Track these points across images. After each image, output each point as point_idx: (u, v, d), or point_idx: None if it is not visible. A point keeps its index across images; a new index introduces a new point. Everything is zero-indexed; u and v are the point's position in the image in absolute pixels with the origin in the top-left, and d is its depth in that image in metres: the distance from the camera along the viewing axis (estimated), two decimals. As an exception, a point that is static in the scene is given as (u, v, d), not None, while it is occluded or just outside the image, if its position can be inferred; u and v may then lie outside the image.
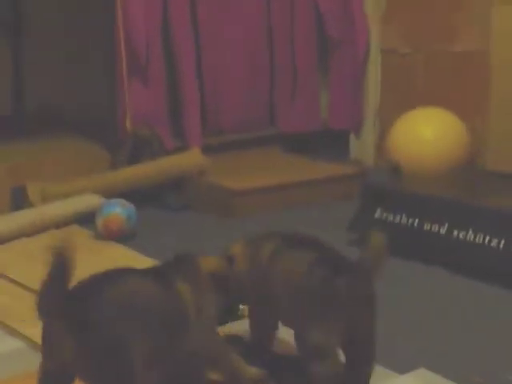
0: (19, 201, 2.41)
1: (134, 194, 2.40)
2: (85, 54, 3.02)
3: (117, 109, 2.68)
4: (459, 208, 2.03)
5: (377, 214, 2.17)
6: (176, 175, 2.54)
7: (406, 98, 2.94)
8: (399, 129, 2.64)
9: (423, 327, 1.69)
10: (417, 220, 2.07)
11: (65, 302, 1.25)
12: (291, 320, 1.41)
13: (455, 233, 1.99)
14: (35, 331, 1.60)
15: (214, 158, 2.62)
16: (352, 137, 3.13)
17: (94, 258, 2.09)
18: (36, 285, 1.84)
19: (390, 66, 3.03)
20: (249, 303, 1.50)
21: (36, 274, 1.94)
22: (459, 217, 2.01)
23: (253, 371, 1.40)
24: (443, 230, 2.02)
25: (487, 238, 1.94)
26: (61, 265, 1.29)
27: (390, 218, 2.14)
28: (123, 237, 2.21)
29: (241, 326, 1.58)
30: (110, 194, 2.37)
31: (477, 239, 1.95)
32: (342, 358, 1.37)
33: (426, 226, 2.05)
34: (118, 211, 2.22)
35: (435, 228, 2.03)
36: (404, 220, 2.11)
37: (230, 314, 1.51)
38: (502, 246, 1.90)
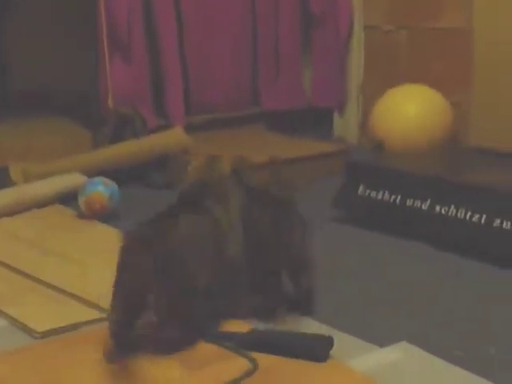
0: (1, 181, 2.40)
1: (116, 173, 2.39)
2: (66, 34, 3.01)
3: (99, 87, 2.67)
4: (441, 184, 2.03)
5: (360, 191, 2.17)
6: (159, 154, 2.54)
7: (390, 75, 2.93)
8: (382, 106, 2.65)
9: (405, 301, 1.69)
10: (399, 196, 2.08)
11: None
12: None
13: (437, 208, 2.00)
14: (17, 310, 1.61)
15: (197, 136, 2.62)
16: (335, 115, 3.13)
17: (76, 237, 2.09)
18: (17, 263, 1.85)
19: (373, 43, 3.03)
20: None
21: (18, 253, 1.95)
22: (441, 193, 2.01)
23: None
24: (425, 206, 2.02)
25: (469, 214, 1.94)
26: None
27: (373, 194, 2.14)
28: (106, 215, 2.21)
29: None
30: (92, 172, 2.36)
31: (458, 214, 1.96)
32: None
33: (409, 202, 2.06)
34: (101, 190, 2.21)
35: (417, 204, 2.04)
36: (386, 196, 2.11)
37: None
38: (483, 221, 1.91)
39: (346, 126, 3.12)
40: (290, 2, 2.99)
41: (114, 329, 1.41)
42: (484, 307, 1.67)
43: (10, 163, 2.41)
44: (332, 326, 1.55)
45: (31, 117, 2.78)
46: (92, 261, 1.88)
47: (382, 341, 1.48)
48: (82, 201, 2.21)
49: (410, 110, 2.58)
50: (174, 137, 2.58)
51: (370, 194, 2.15)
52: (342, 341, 1.47)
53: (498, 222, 1.89)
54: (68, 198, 2.31)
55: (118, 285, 1.42)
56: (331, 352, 1.43)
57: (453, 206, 1.97)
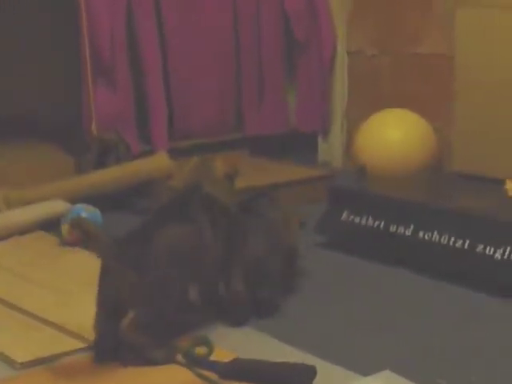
0: (-17, 207, 2.39)
1: (100, 199, 2.38)
2: (48, 59, 3.00)
3: (82, 113, 2.67)
4: (424, 210, 2.03)
5: (343, 217, 2.17)
6: (143, 179, 2.53)
7: (373, 100, 2.95)
8: (365, 131, 2.65)
9: (388, 329, 1.69)
10: (383, 222, 2.08)
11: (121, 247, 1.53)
12: None
13: (421, 234, 2.00)
14: None
15: (181, 161, 2.61)
16: (320, 139, 3.14)
17: (59, 264, 2.08)
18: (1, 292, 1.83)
19: (357, 67, 3.04)
20: None
21: (1, 280, 1.94)
22: (425, 218, 2.01)
23: None
24: (409, 232, 2.02)
25: (452, 239, 1.94)
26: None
27: (357, 219, 2.14)
28: (89, 242, 2.19)
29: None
30: (75, 199, 2.35)
31: (442, 240, 1.96)
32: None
33: (392, 228, 2.06)
34: (84, 216, 2.20)
35: (401, 230, 2.04)
36: (370, 222, 2.11)
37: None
38: (466, 246, 1.91)
39: (330, 150, 3.12)
40: (273, 28, 3.00)
41: (95, 336, 1.49)
42: (467, 333, 1.66)
43: (-9, 189, 2.40)
44: (315, 353, 1.54)
45: (13, 142, 2.77)
46: (74, 289, 1.87)
47: (365, 369, 1.48)
48: (64, 228, 2.20)
49: (393, 135, 2.59)
50: (158, 162, 2.58)
51: (353, 219, 2.15)
52: (325, 370, 1.47)
53: (481, 247, 1.89)
54: (50, 225, 2.29)
55: (100, 293, 1.49)
56: (314, 381, 1.43)
57: (436, 232, 1.98)
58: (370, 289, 1.92)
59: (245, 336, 1.65)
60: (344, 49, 3.05)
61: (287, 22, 3.02)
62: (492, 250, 1.86)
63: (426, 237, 1.99)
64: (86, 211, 2.22)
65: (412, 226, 2.02)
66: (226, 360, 1.48)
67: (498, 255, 1.85)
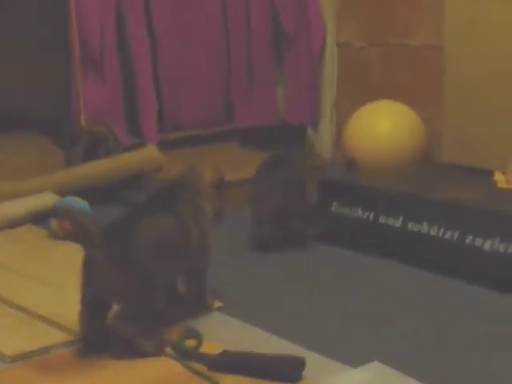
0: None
1: (90, 192, 2.38)
2: (37, 51, 2.99)
3: (71, 106, 2.66)
4: (413, 201, 2.04)
5: (333, 208, 2.17)
6: (132, 172, 2.53)
7: (363, 92, 2.95)
8: (355, 122, 2.65)
9: (377, 320, 1.70)
10: (372, 213, 2.08)
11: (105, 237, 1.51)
12: None
13: (410, 225, 2.00)
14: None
15: (170, 154, 2.61)
16: (309, 131, 3.14)
17: (48, 258, 2.08)
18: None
19: (346, 59, 3.04)
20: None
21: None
22: (413, 209, 2.02)
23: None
24: (398, 223, 2.03)
25: (441, 231, 1.95)
26: None
27: (347, 211, 2.14)
28: (78, 235, 2.19)
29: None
30: (64, 192, 2.35)
31: (431, 232, 1.97)
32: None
33: (382, 219, 2.06)
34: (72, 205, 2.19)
35: (390, 221, 2.04)
36: (360, 213, 2.11)
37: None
38: (455, 238, 1.92)
39: (320, 141, 3.12)
40: (262, 20, 3.00)
41: (80, 329, 1.51)
42: (456, 325, 1.67)
43: (-20, 182, 2.39)
44: (304, 345, 1.54)
45: (2, 136, 2.76)
46: (64, 282, 1.87)
47: (355, 361, 1.48)
48: (53, 221, 2.19)
49: (382, 126, 2.59)
50: (148, 155, 2.57)
51: (343, 210, 2.15)
52: (315, 361, 1.47)
53: (470, 238, 1.90)
54: (40, 218, 2.29)
55: (84, 285, 1.51)
56: (303, 373, 1.43)
57: (425, 223, 1.98)
58: (359, 280, 1.92)
59: (234, 328, 1.65)
60: (333, 40, 3.05)
61: (276, 14, 3.02)
62: (481, 241, 1.87)
63: (415, 228, 1.99)
64: (75, 204, 2.22)
65: (401, 218, 2.03)
66: (216, 352, 1.48)
67: (486, 246, 1.86)
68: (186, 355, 1.50)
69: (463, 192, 2.08)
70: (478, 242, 1.88)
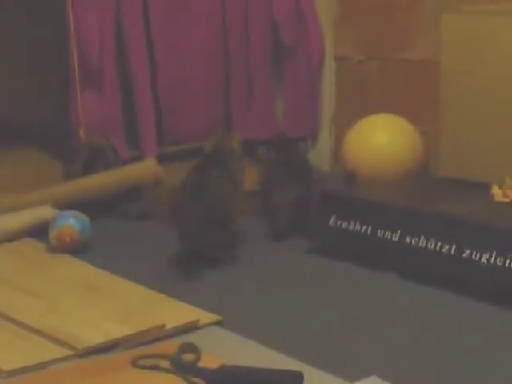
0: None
1: (88, 205, 2.38)
2: (35, 64, 3.00)
3: (70, 118, 2.66)
4: (411, 214, 2.04)
5: (331, 222, 2.17)
6: (131, 185, 2.53)
7: (361, 105, 2.95)
8: (353, 135, 2.66)
9: (376, 334, 1.70)
10: (370, 227, 2.08)
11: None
12: None
13: (407, 239, 2.01)
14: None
15: (169, 167, 2.61)
16: (308, 144, 3.14)
17: (46, 272, 2.08)
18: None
19: (345, 73, 3.05)
20: None
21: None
22: (411, 223, 2.02)
23: None
24: (396, 237, 2.03)
25: (439, 244, 1.95)
26: None
27: (345, 225, 2.14)
28: (77, 249, 2.20)
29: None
30: (64, 205, 2.35)
31: (429, 245, 1.97)
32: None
33: (379, 233, 2.06)
34: (71, 223, 2.20)
35: (388, 235, 2.04)
36: (358, 227, 2.11)
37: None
38: (453, 251, 1.92)
39: (318, 155, 3.13)
40: (261, 33, 3.00)
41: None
42: (454, 339, 1.67)
43: (-20, 196, 2.40)
44: (302, 360, 1.54)
45: (1, 148, 2.76)
46: (62, 296, 1.87)
47: (353, 375, 1.48)
48: (52, 234, 2.19)
49: (380, 140, 2.60)
50: (147, 168, 2.58)
51: (341, 224, 2.15)
52: (313, 376, 1.47)
53: (467, 252, 1.90)
54: (38, 232, 2.29)
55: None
56: (301, 388, 1.43)
57: (423, 237, 1.98)
58: (357, 294, 1.92)
59: (232, 342, 1.65)
60: (331, 54, 3.06)
61: (275, 27, 3.02)
62: (478, 255, 1.87)
63: (413, 242, 1.99)
64: (74, 217, 2.22)
65: (399, 231, 2.03)
66: (214, 366, 1.48)
67: (484, 260, 1.86)
68: (184, 369, 1.50)
69: (460, 206, 2.08)
70: (476, 255, 1.88)
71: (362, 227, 2.10)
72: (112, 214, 2.51)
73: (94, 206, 2.42)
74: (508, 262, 1.82)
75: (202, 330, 1.70)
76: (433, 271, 1.95)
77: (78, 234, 2.20)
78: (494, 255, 1.85)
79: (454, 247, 1.92)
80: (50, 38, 2.75)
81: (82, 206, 2.32)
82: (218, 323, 1.73)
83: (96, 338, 1.62)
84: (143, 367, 1.52)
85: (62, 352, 1.58)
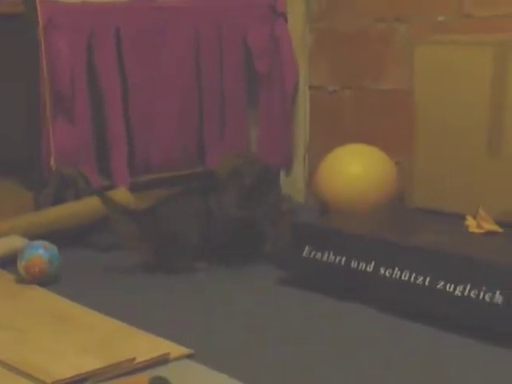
0: None
1: (59, 235, 2.35)
2: (6, 93, 2.97)
3: (40, 147, 2.64)
4: (385, 245, 2.03)
5: (305, 252, 2.16)
6: (102, 215, 2.50)
7: (336, 134, 2.96)
8: (327, 165, 2.65)
9: (348, 366, 1.68)
10: (344, 258, 2.07)
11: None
12: None
13: (382, 270, 1.99)
14: None
15: (142, 195, 2.59)
16: (282, 173, 3.13)
17: (15, 303, 2.04)
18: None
19: (319, 102, 3.05)
20: None
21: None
22: (385, 254, 2.01)
23: None
24: (370, 268, 2.01)
25: (413, 276, 1.94)
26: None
27: (318, 255, 2.13)
28: (46, 280, 2.16)
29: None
30: (34, 235, 2.32)
31: (403, 276, 1.95)
32: None
33: (353, 264, 2.05)
34: (40, 253, 2.17)
35: (362, 266, 2.03)
36: (331, 258, 2.10)
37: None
38: (427, 283, 1.91)
39: (292, 184, 3.12)
40: (234, 61, 3.00)
41: None
42: (428, 372, 1.66)
43: None
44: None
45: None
46: (31, 328, 1.83)
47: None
48: (21, 265, 2.16)
49: (354, 170, 2.59)
50: (118, 197, 2.55)
51: (315, 255, 2.14)
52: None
53: (441, 283, 1.89)
54: (7, 262, 2.25)
55: None
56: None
57: (397, 268, 1.97)
58: (330, 326, 1.90)
59: (204, 376, 1.62)
60: (306, 83, 3.06)
61: (249, 56, 3.02)
62: (452, 286, 1.86)
63: (387, 273, 1.98)
64: (43, 248, 2.19)
65: (373, 263, 2.01)
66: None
67: (458, 292, 1.85)
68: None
69: (435, 237, 2.07)
70: (450, 287, 1.87)
71: (335, 258, 2.09)
72: (83, 244, 2.48)
73: (65, 236, 2.39)
74: (482, 294, 1.81)
75: (172, 363, 1.68)
76: (407, 303, 1.94)
77: (47, 265, 2.16)
78: (468, 287, 1.83)
79: (428, 279, 1.91)
80: (20, 67, 2.72)
81: (53, 236, 2.29)
82: (189, 356, 1.70)
83: (66, 371, 1.59)
84: (113, 402, 1.49)
85: (26, 386, 1.54)
